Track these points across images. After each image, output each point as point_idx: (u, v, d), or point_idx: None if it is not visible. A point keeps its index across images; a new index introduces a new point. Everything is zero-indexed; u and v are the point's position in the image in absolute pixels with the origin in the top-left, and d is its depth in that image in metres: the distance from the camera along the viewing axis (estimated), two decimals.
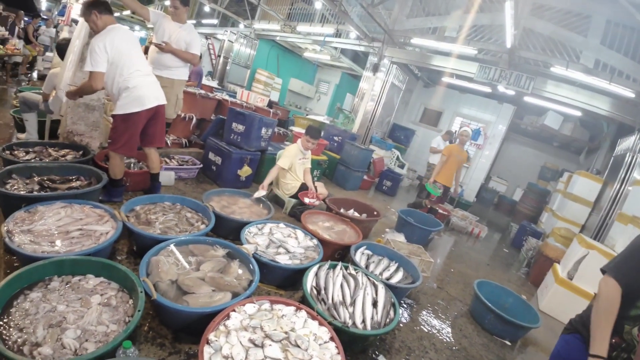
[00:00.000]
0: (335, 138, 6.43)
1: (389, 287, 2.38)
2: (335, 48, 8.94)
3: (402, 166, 8.04)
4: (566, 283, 3.44)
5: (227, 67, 10.11)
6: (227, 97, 5.15)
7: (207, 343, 1.50)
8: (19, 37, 6.80)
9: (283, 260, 2.35)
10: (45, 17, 11.95)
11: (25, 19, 8.21)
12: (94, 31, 2.57)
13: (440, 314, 2.84)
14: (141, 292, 1.60)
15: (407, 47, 6.89)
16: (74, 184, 2.65)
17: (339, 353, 1.61)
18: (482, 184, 9.11)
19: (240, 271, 2.10)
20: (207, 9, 9.47)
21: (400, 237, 3.94)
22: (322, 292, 2.07)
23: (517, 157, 9.70)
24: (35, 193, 2.36)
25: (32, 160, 2.78)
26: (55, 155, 3.03)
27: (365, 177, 6.41)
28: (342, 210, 3.96)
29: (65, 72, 3.23)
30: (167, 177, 3.65)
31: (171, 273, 1.88)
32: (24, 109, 3.53)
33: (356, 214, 4.08)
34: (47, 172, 2.65)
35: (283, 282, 2.41)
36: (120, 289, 1.72)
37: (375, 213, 4.04)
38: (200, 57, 4.36)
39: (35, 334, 1.37)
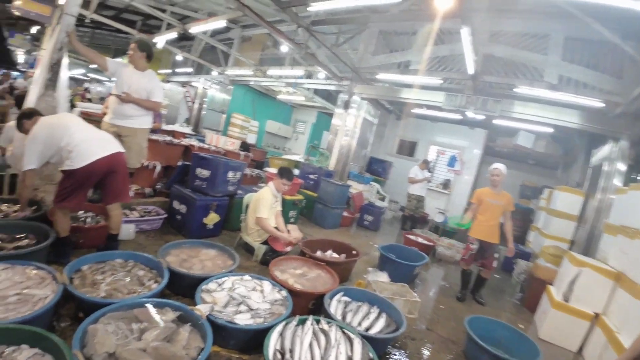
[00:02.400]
0: (311, 176, 6.29)
1: (368, 339, 2.10)
2: (308, 89, 9.14)
3: (382, 199, 7.91)
4: (563, 306, 3.22)
5: (203, 113, 10.13)
6: (193, 142, 5.00)
7: None
8: None
9: (243, 320, 2.05)
10: (23, 69, 11.99)
11: None
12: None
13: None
14: None
15: (375, 83, 7.06)
16: (21, 243, 2.43)
17: None
18: (465, 208, 9.02)
19: (190, 337, 1.80)
20: (179, 57, 9.63)
21: (383, 277, 3.66)
22: (287, 355, 1.77)
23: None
24: None
25: None
26: (7, 211, 2.85)
27: (345, 213, 6.21)
28: (318, 253, 3.70)
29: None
30: (126, 231, 3.35)
31: (108, 344, 1.61)
32: None
33: (335, 255, 3.82)
34: None
35: (245, 345, 2.09)
36: None
37: (354, 252, 3.79)
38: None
39: None
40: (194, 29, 6.00)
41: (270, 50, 9.01)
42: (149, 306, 1.94)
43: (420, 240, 5.60)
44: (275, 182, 3.71)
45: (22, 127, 2.65)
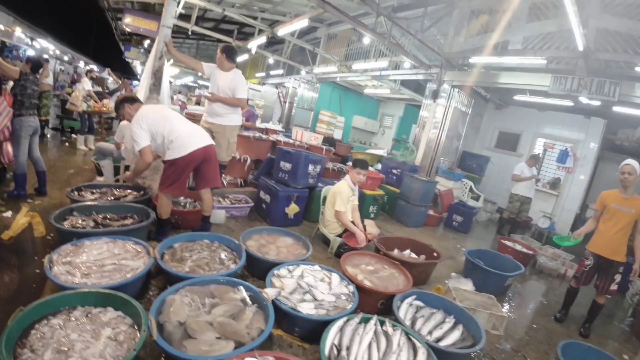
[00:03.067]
0: (394, 171, 6.05)
1: (437, 351, 1.91)
2: (395, 81, 8.78)
3: (476, 198, 7.13)
4: None
5: (292, 112, 10.70)
6: (280, 138, 5.31)
7: None
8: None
9: (306, 309, 2.09)
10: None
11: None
12: (129, 121, 2.92)
13: None
14: (144, 331, 1.56)
15: (467, 69, 6.37)
16: (126, 222, 2.87)
17: None
18: (576, 214, 7.50)
19: (254, 318, 1.91)
20: (270, 60, 10.33)
21: (468, 285, 3.32)
22: (343, 352, 1.74)
23: (616, 180, 7.83)
24: (87, 229, 2.59)
25: (96, 200, 3.13)
26: (118, 195, 3.40)
27: (431, 212, 5.81)
28: (395, 251, 3.55)
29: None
30: (217, 216, 3.77)
31: (181, 314, 1.79)
32: (100, 156, 4.12)
33: (413, 255, 3.61)
34: (105, 211, 2.94)
35: (308, 334, 2.13)
36: (132, 325, 1.71)
37: (435, 254, 3.51)
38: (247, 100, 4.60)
39: (42, 356, 1.43)
40: (281, 31, 6.32)
41: (355, 45, 8.95)
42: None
43: (518, 247, 4.89)
44: (350, 173, 3.67)
45: (122, 110, 2.91)
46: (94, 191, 3.35)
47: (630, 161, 3.02)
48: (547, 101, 6.73)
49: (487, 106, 8.91)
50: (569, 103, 6.49)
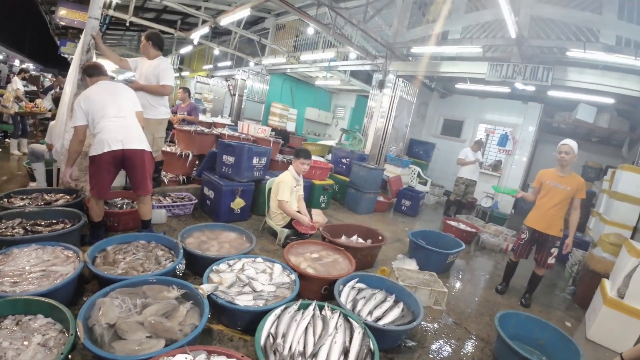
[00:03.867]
0: (344, 160, 6.12)
1: (375, 330, 1.95)
2: (344, 72, 8.87)
3: (424, 183, 7.46)
4: (616, 303, 2.73)
5: (243, 105, 10.40)
6: (225, 131, 5.12)
7: None
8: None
9: (244, 301, 2.02)
10: None
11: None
12: None
13: (453, 359, 2.29)
14: (71, 334, 1.54)
15: (411, 59, 6.59)
16: (56, 227, 2.69)
17: None
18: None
19: (188, 315, 1.82)
20: (216, 52, 9.93)
21: (412, 265, 3.44)
22: (279, 339, 1.70)
23: (554, 160, 8.65)
24: (16, 236, 2.42)
25: (26, 206, 2.94)
26: (49, 200, 3.16)
27: (380, 198, 5.97)
28: (342, 238, 3.59)
29: (58, 123, 3.41)
30: (158, 216, 3.56)
31: (110, 316, 1.71)
32: (32, 159, 3.75)
33: (360, 241, 3.66)
34: (34, 217, 2.75)
35: (249, 326, 2.06)
36: (62, 331, 1.67)
37: (380, 238, 3.60)
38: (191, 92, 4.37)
39: None
40: (224, 21, 6.09)
41: (304, 36, 8.88)
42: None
43: (462, 226, 5.19)
44: (294, 164, 3.64)
45: (84, 79, 2.92)
46: (24, 197, 3.15)
47: (567, 141, 3.13)
48: (486, 88, 7.17)
49: (432, 95, 9.32)
50: (506, 90, 6.97)
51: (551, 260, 3.22)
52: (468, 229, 5.15)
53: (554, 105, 7.50)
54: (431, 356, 2.26)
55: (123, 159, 2.64)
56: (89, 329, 1.62)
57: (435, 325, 2.64)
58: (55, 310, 1.70)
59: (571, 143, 3.11)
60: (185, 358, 1.47)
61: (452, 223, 5.26)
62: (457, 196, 6.38)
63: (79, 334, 1.51)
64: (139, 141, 2.71)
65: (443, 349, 2.38)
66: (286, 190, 3.48)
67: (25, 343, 1.53)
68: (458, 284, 3.62)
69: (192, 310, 1.88)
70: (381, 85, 6.78)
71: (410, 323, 2.16)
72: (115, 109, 2.65)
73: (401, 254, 3.82)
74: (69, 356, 1.52)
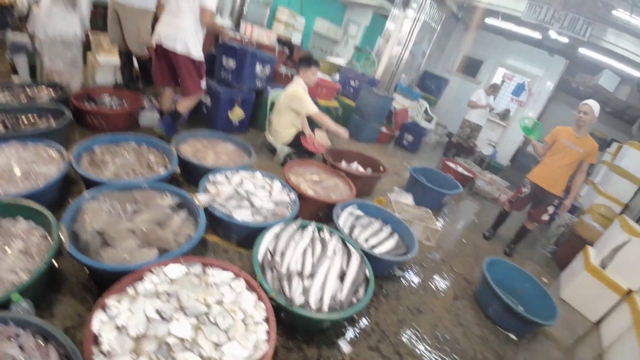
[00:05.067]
0: (352, 82, 5.70)
1: (371, 257, 1.95)
2: None
3: (429, 120, 7.18)
4: (597, 272, 2.82)
5: (245, 6, 9.24)
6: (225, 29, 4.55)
7: (103, 309, 1.19)
8: None
9: (242, 215, 1.95)
10: None
11: None
12: None
13: (437, 294, 2.39)
14: (54, 241, 1.38)
15: None
16: (40, 124, 2.49)
17: (268, 340, 1.24)
18: (519, 146, 8.05)
19: (183, 225, 1.75)
20: None
21: (408, 199, 3.42)
22: (277, 257, 1.68)
23: (562, 121, 8.21)
24: None
25: (7, 102, 2.65)
26: (32, 95, 2.87)
27: (383, 129, 5.75)
28: (342, 163, 3.47)
29: (42, 10, 2.94)
30: (149, 119, 3.31)
31: (98, 222, 1.58)
32: (13, 50, 3.35)
33: (360, 169, 3.57)
34: (15, 112, 2.48)
35: (245, 240, 2.04)
36: (45, 236, 1.52)
37: (381, 168, 3.51)
38: None
39: None
40: None
41: None
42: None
43: (459, 169, 5.14)
44: (302, 75, 3.27)
45: None
46: (5, 91, 2.80)
47: (589, 101, 2.97)
48: (517, 29, 6.46)
49: (457, 27, 8.41)
50: (537, 35, 6.31)
51: (545, 217, 3.26)
52: (465, 172, 5.11)
53: (579, 64, 6.99)
54: (416, 287, 2.35)
55: (165, 55, 2.73)
56: (74, 235, 1.49)
57: (424, 260, 2.72)
58: (37, 214, 1.55)
59: (592, 104, 2.94)
60: (180, 269, 1.43)
61: (451, 164, 5.20)
62: (460, 139, 6.22)
63: (62, 239, 1.38)
64: (179, 43, 2.65)
65: (428, 282, 2.48)
66: (309, 99, 3.18)
67: (6, 248, 1.40)
68: (449, 224, 3.69)
69: (188, 220, 1.80)
70: (406, 3, 5.99)
71: (404, 255, 2.18)
72: (173, 4, 2.62)
73: (397, 187, 3.79)
74: (55, 264, 1.44)
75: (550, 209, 3.24)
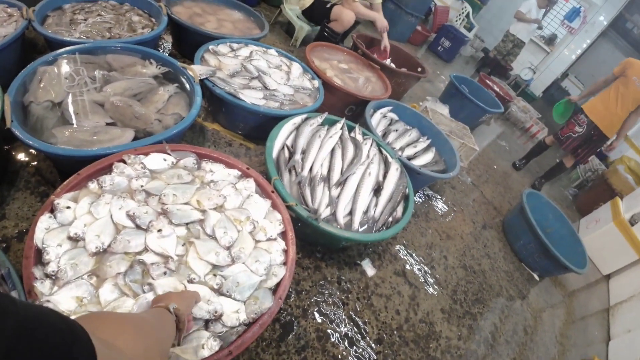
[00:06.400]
0: None
1: (408, 169, 1.55)
2: None
3: (469, 28, 6.12)
4: (625, 227, 2.53)
5: None
6: None
7: (51, 212, 0.80)
8: None
9: (251, 97, 1.46)
10: None
11: None
12: None
13: (466, 219, 2.10)
14: None
15: None
16: None
17: (285, 262, 0.90)
18: (556, 78, 7.09)
19: (170, 102, 1.29)
20: None
21: (444, 110, 2.91)
22: (297, 155, 1.27)
23: (606, 62, 6.91)
24: None
25: None
26: None
27: (418, 27, 4.85)
28: (374, 55, 2.82)
29: None
30: None
31: (56, 91, 1.16)
32: None
33: (392, 65, 2.94)
34: None
35: (254, 132, 1.61)
36: None
37: (419, 69, 2.91)
38: None
39: None
40: None
41: None
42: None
43: (496, 88, 4.46)
44: None
45: None
46: None
47: None
48: None
49: None
50: None
51: (591, 157, 2.98)
52: (502, 93, 4.47)
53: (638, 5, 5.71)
54: (447, 208, 2.05)
55: None
56: (23, 108, 1.10)
57: (454, 181, 2.37)
58: None
59: None
60: (165, 159, 1.01)
61: (488, 82, 4.51)
62: (499, 54, 5.38)
63: (5, 115, 0.99)
64: None
65: (459, 206, 2.17)
66: None
67: None
68: (480, 146, 3.27)
69: (177, 96, 1.34)
70: None
71: (444, 172, 1.80)
72: None
73: (430, 97, 3.25)
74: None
75: (598, 150, 2.94)
